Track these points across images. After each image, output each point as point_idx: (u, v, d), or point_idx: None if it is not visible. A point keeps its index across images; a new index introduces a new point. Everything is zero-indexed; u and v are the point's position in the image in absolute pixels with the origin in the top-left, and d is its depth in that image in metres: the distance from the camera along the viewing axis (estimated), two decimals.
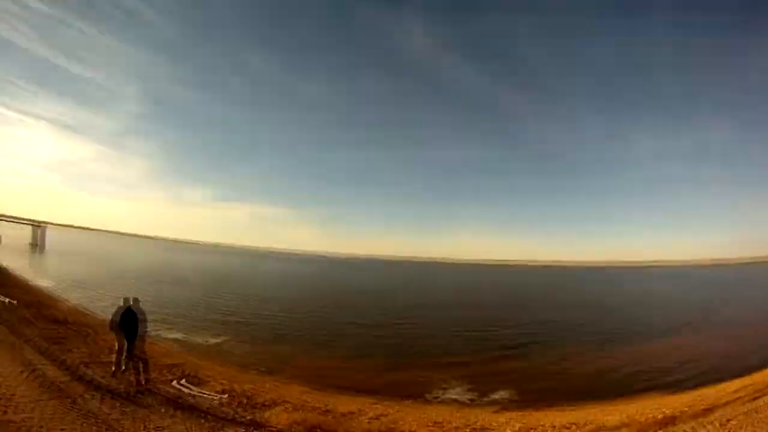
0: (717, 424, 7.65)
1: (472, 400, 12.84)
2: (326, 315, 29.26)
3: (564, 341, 22.23)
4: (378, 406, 10.65)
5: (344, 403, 10.37)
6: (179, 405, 7.72)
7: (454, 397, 13.07)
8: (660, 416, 8.74)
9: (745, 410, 8.45)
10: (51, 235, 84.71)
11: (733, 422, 7.69)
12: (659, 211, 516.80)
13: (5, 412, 5.82)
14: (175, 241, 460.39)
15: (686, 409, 9.14)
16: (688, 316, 31.79)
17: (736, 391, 10.96)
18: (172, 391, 8.66)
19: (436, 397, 12.91)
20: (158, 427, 6.45)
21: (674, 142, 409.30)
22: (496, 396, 13.08)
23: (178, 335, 19.07)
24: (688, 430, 7.64)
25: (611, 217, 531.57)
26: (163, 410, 7.24)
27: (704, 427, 7.62)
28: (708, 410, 8.89)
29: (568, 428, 8.80)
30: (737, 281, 77.90)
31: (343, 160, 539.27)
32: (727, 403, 9.45)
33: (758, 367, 14.87)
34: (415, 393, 13.00)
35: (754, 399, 9.61)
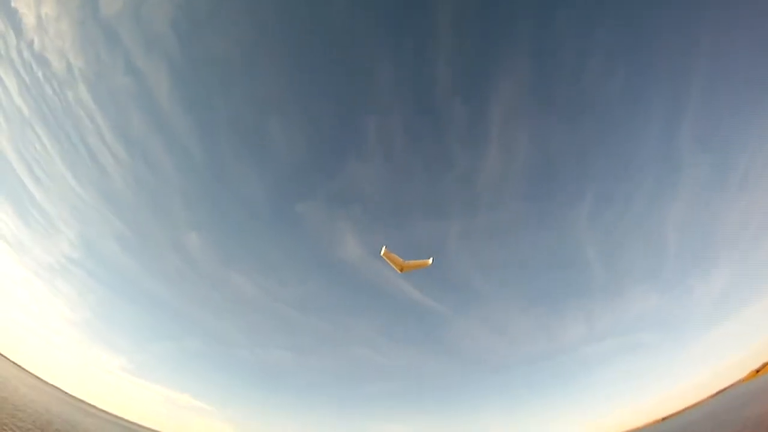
0: None
1: None
2: None
3: None
4: None
5: None
6: None
7: None
8: None
9: None
10: None
11: None
12: (596, 388, 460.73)
13: None
14: (81, 401, 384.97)
15: None
16: None
17: None
18: None
19: None
20: None
21: (606, 322, 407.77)
22: None
23: None
24: None
25: (551, 406, 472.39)
26: None
27: None
28: None
29: None
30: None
31: (271, 361, 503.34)
32: None
33: None
34: None
35: None
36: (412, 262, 19.98)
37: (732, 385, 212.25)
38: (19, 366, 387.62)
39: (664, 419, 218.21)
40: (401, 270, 20.01)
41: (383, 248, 19.23)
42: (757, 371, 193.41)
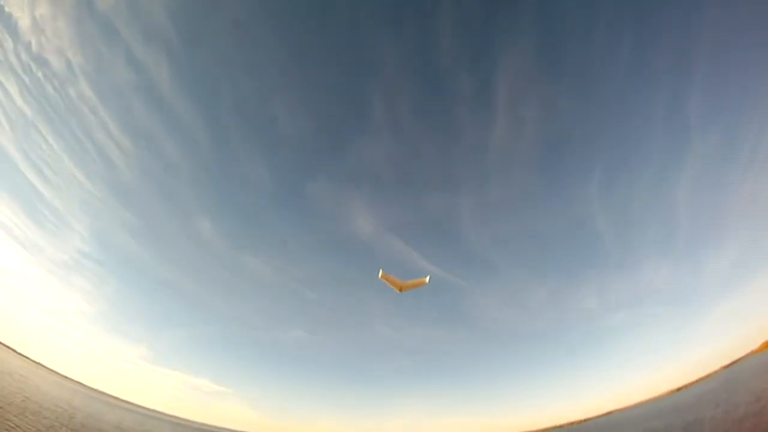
0: None
1: None
2: None
3: None
4: None
5: None
6: None
7: None
8: None
9: None
10: None
11: None
12: (610, 359, 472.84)
13: None
14: (102, 393, 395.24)
15: None
16: None
17: None
18: None
19: None
20: None
21: (619, 293, 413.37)
22: None
23: None
24: None
25: (565, 377, 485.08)
26: None
27: None
28: None
29: None
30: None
31: (288, 341, 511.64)
32: None
33: None
34: None
35: None
36: (410, 281, 20.68)
37: (744, 357, 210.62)
38: (40, 364, 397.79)
39: (678, 389, 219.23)
40: (400, 290, 20.88)
41: (380, 271, 20.25)
42: None
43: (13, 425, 23.79)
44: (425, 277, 20.49)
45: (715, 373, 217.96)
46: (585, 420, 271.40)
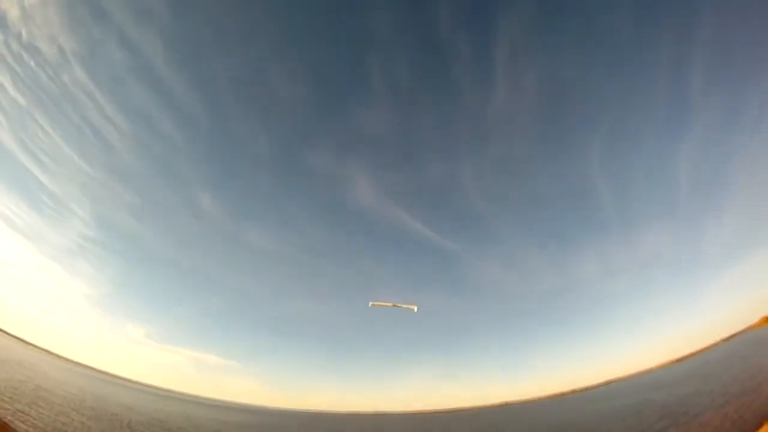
0: None
1: None
2: None
3: None
4: None
5: None
6: None
7: None
8: None
9: None
10: None
11: None
12: (610, 326, 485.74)
13: None
14: (110, 375, 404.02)
15: None
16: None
17: None
18: None
19: None
20: None
21: (619, 259, 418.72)
22: None
23: None
24: None
25: (565, 344, 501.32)
26: None
27: None
28: None
29: None
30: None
31: (293, 312, 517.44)
32: None
33: None
34: None
35: None
36: (400, 304, 22.09)
37: (743, 331, 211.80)
38: (49, 351, 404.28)
39: (678, 360, 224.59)
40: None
41: (370, 303, 21.32)
42: None
43: (24, 414, 24.65)
44: (414, 306, 21.72)
45: (715, 345, 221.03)
46: (585, 389, 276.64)
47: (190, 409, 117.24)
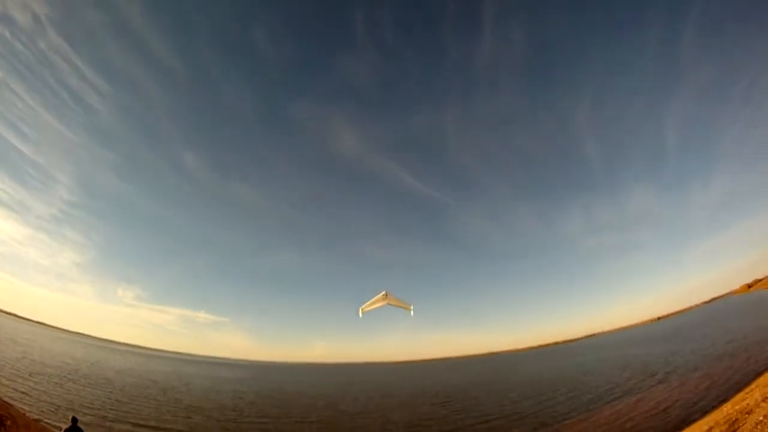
0: None
1: None
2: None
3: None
4: None
5: None
6: None
7: None
8: None
9: None
10: None
11: None
12: (594, 282, 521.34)
13: None
14: (104, 341, 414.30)
15: None
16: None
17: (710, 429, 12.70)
18: None
19: None
20: None
21: (605, 217, 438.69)
22: None
23: None
24: None
25: (550, 297, 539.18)
26: None
27: None
28: None
29: None
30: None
31: (280, 265, 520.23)
32: None
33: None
34: None
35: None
36: (395, 300, 19.67)
37: (723, 296, 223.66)
38: (42, 323, 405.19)
39: (659, 319, 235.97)
40: (384, 296, 19.97)
41: (360, 312, 19.24)
42: (749, 286, 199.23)
43: (21, 392, 27.82)
44: (410, 306, 19.74)
45: (696, 307, 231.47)
46: (568, 341, 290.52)
47: (183, 367, 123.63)
